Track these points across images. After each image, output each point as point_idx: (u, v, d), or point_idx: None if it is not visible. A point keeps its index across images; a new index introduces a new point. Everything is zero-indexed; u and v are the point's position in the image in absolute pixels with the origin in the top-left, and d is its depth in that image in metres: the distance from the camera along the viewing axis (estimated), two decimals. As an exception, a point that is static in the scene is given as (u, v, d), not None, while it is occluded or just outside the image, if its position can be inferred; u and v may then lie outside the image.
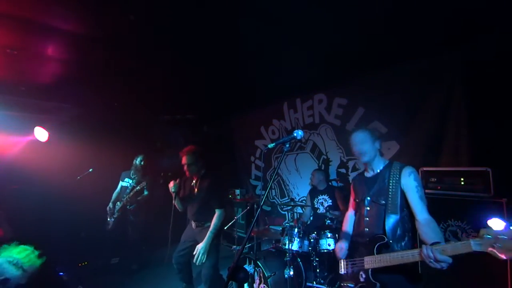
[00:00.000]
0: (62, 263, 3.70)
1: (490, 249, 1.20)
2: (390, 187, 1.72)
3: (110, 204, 4.25)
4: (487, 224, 1.27)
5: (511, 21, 2.38)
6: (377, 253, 1.66)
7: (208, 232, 2.83)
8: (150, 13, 2.41)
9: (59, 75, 3.56)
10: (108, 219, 4.20)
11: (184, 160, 2.96)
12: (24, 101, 4.28)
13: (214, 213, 2.92)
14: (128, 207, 4.21)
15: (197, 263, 2.76)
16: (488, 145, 2.63)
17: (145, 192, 4.28)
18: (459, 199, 2.33)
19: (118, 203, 4.20)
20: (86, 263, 4.14)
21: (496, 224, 1.23)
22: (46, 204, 4.17)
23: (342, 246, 1.99)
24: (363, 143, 1.87)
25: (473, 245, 1.24)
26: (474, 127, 2.79)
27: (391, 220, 1.68)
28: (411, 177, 1.70)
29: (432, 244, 1.41)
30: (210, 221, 2.90)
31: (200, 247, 2.79)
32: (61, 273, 3.48)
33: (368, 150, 1.85)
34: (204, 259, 2.77)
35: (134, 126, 5.61)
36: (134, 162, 4.40)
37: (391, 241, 1.66)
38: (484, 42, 2.66)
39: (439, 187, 2.49)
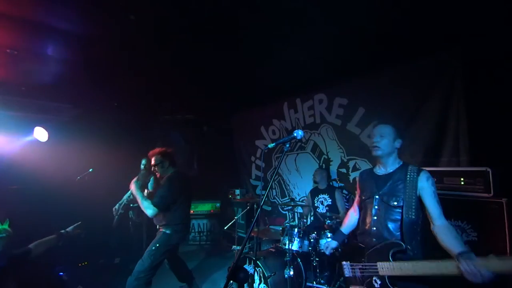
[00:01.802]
0: (62, 263, 3.71)
1: None
2: (407, 189, 1.68)
3: (117, 205, 4.27)
4: None
5: (511, 20, 2.38)
6: (393, 260, 1.59)
7: (140, 192, 2.77)
8: (150, 13, 2.41)
9: (59, 75, 3.56)
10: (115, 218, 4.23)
11: (152, 161, 3.06)
12: (24, 101, 4.28)
13: (167, 213, 2.83)
14: (131, 205, 4.22)
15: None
16: (488, 145, 2.63)
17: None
18: (459, 199, 2.33)
19: (125, 201, 4.23)
20: (86, 263, 4.14)
21: None
22: (46, 204, 4.16)
23: (328, 246, 2.08)
24: (382, 136, 1.79)
25: None
26: (474, 127, 2.79)
27: (407, 224, 1.65)
28: (429, 182, 1.67)
29: (461, 253, 1.37)
30: (165, 222, 2.82)
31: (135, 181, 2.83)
32: (61, 273, 3.49)
33: (385, 146, 1.77)
34: (131, 186, 2.81)
35: (134, 126, 5.61)
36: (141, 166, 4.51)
37: (408, 247, 1.61)
38: (484, 42, 2.66)
39: (439, 187, 2.48)
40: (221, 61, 3.41)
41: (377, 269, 1.64)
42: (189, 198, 3.14)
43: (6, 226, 2.24)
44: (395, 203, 1.70)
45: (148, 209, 2.70)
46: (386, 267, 1.60)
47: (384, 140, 1.78)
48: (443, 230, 1.56)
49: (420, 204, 1.68)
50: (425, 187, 1.66)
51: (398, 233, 1.67)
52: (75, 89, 4.08)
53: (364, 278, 1.74)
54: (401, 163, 1.82)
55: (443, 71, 3.00)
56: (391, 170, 1.81)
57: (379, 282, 1.64)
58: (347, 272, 1.85)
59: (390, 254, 1.60)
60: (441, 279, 1.44)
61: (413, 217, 1.64)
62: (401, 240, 1.63)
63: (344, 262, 1.89)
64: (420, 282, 1.56)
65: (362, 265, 1.75)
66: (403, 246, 1.60)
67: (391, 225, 1.70)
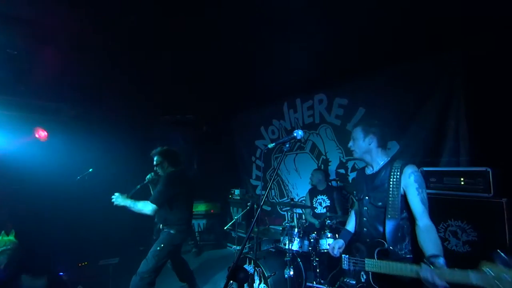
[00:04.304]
0: (62, 263, 3.71)
1: (490, 286, 1.13)
2: (391, 189, 1.64)
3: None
4: (492, 254, 1.22)
5: (511, 20, 2.39)
6: (377, 258, 1.63)
7: (129, 199, 2.68)
8: (150, 13, 2.41)
9: (59, 75, 3.56)
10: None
11: (154, 161, 3.06)
12: (24, 101, 4.27)
13: (168, 212, 2.83)
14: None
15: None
16: (488, 145, 2.63)
17: None
18: (459, 199, 2.33)
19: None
20: (86, 263, 4.13)
21: (500, 259, 1.17)
22: (46, 204, 4.17)
23: (334, 246, 1.96)
24: (353, 140, 1.86)
25: (473, 278, 1.19)
26: (474, 127, 2.79)
27: (391, 225, 1.62)
28: (411, 178, 1.61)
29: (430, 256, 1.40)
30: (168, 222, 2.82)
31: (117, 194, 2.69)
32: (61, 273, 3.49)
33: (357, 148, 1.83)
34: (116, 202, 2.67)
35: (134, 126, 5.61)
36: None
37: (391, 247, 1.61)
38: (484, 42, 2.66)
39: (439, 187, 2.49)
40: (221, 61, 3.41)
41: (364, 264, 1.70)
42: (190, 197, 3.12)
43: (12, 238, 2.19)
44: (380, 203, 1.69)
45: (146, 207, 2.66)
46: (370, 264, 1.65)
47: (355, 142, 1.84)
48: (422, 231, 1.54)
49: (406, 203, 1.63)
50: (408, 184, 1.61)
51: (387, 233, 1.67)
52: (75, 89, 4.08)
53: (355, 272, 1.80)
54: (387, 159, 1.79)
55: (443, 71, 3.00)
56: (377, 169, 1.79)
57: (365, 277, 1.71)
58: (345, 265, 1.88)
59: (375, 252, 1.64)
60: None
61: (397, 217, 1.61)
62: (387, 240, 1.63)
63: (344, 255, 1.92)
64: (402, 285, 1.55)
65: (355, 260, 1.80)
66: (385, 245, 1.62)
67: (380, 226, 1.70)
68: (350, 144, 1.89)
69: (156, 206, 2.68)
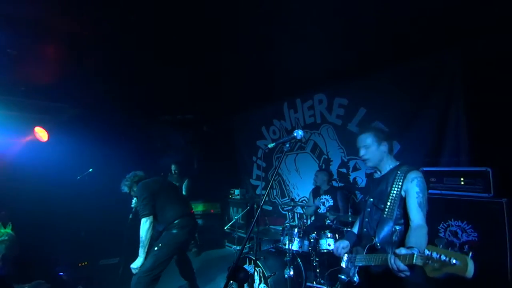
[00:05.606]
0: (62, 263, 3.71)
1: (424, 265, 1.20)
2: (392, 192, 1.66)
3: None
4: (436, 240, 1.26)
5: (511, 20, 2.39)
6: (366, 253, 1.68)
7: (141, 252, 2.78)
8: (150, 13, 2.41)
9: (59, 75, 3.56)
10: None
11: (128, 192, 3.13)
12: (24, 101, 4.27)
13: (161, 215, 2.89)
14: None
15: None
16: (488, 145, 2.63)
17: (183, 193, 5.04)
18: (459, 199, 2.33)
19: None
20: (86, 263, 4.13)
21: (441, 242, 1.22)
22: (46, 204, 4.16)
23: (338, 246, 1.93)
24: (367, 148, 1.79)
25: (415, 258, 1.24)
26: (474, 127, 2.79)
27: (385, 226, 1.63)
28: (413, 182, 1.61)
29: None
30: (165, 224, 2.88)
31: (132, 265, 2.78)
32: (61, 273, 3.49)
33: (372, 156, 1.78)
34: (136, 266, 2.77)
35: (134, 126, 5.61)
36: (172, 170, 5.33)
37: (378, 244, 1.63)
38: (484, 42, 2.66)
39: (439, 188, 2.49)
40: (221, 61, 3.41)
41: (355, 260, 1.77)
42: (173, 191, 3.16)
43: (8, 230, 2.19)
44: (382, 205, 1.70)
45: (144, 225, 2.77)
46: (359, 259, 1.74)
47: (369, 150, 1.78)
48: (411, 229, 1.53)
49: (405, 209, 1.61)
50: (409, 188, 1.61)
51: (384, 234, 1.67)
52: (75, 89, 4.08)
53: (348, 269, 1.85)
54: (396, 164, 1.79)
55: (443, 71, 3.00)
56: (384, 173, 1.81)
57: (353, 271, 1.78)
58: (345, 264, 1.90)
59: (366, 248, 1.69)
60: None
61: (392, 219, 1.61)
62: (378, 237, 1.64)
63: (347, 254, 1.94)
64: (384, 285, 1.57)
65: (352, 256, 1.85)
66: (373, 240, 1.66)
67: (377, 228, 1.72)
68: (362, 153, 1.81)
69: (146, 215, 2.77)
